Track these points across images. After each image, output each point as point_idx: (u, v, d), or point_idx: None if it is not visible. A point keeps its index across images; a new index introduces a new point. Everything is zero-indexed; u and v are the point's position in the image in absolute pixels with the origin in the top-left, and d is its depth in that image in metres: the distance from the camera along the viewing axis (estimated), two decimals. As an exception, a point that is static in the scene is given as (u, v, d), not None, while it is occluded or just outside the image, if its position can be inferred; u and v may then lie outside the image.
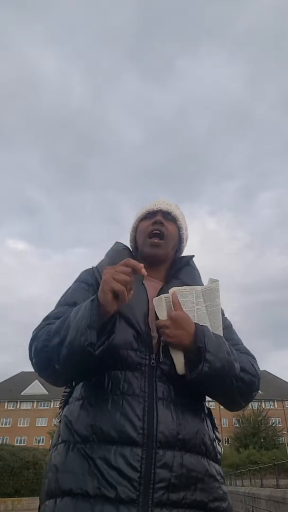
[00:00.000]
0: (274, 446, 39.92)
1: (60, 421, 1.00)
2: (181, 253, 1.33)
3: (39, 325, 1.04)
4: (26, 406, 51.64)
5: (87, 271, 1.22)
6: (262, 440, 40.52)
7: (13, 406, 51.90)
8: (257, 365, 1.08)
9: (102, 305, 0.87)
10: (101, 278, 1.09)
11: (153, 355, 0.97)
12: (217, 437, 1.03)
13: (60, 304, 1.12)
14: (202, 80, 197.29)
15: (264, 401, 49.91)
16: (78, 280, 1.19)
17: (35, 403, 51.57)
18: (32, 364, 1.01)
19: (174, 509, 0.81)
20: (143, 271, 0.90)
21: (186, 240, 1.32)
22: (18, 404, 51.84)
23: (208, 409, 1.07)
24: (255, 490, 13.95)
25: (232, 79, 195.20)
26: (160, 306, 1.02)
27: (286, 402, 50.63)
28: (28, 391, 51.79)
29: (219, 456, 0.99)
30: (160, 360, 0.97)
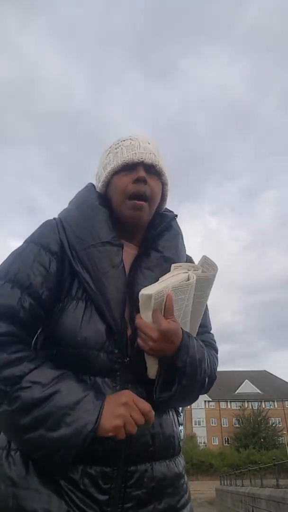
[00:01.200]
0: (274, 446, 39.90)
1: None
2: (161, 209, 1.08)
3: None
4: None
5: (49, 225, 0.95)
6: (262, 440, 40.49)
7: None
8: (217, 359, 1.01)
9: (100, 429, 0.72)
10: (67, 241, 0.90)
11: (127, 358, 0.84)
12: (179, 422, 0.98)
13: (8, 276, 0.84)
14: (205, 80, 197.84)
15: (264, 401, 49.86)
16: (38, 243, 0.90)
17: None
18: None
19: None
20: (151, 418, 0.77)
21: (168, 195, 1.08)
22: (18, 404, 51.74)
23: (176, 410, 1.00)
24: (255, 490, 13.95)
25: (235, 79, 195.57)
26: (147, 305, 0.83)
27: (286, 402, 50.56)
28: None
29: (180, 444, 0.95)
30: (132, 360, 0.84)
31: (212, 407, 50.31)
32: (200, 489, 29.74)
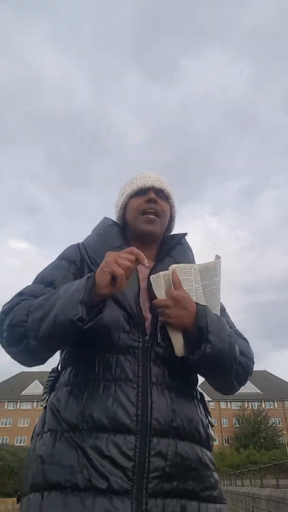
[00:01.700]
0: (274, 446, 39.86)
1: (45, 407, 0.95)
2: (170, 232, 1.26)
3: (11, 300, 0.98)
4: (26, 406, 51.56)
5: (72, 246, 1.16)
6: (262, 440, 40.49)
7: (13, 406, 51.84)
8: (251, 349, 1.07)
9: (97, 286, 0.83)
10: (87, 255, 1.10)
11: (147, 336, 0.93)
12: (210, 423, 1.01)
13: (36, 281, 1.06)
14: (205, 80, 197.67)
15: (264, 401, 49.86)
16: (60, 257, 1.12)
17: (35, 403, 51.47)
18: (1, 338, 0.94)
19: (167, 499, 0.77)
20: (145, 262, 0.87)
21: (176, 218, 1.27)
22: (18, 404, 51.79)
23: (201, 394, 1.03)
24: (255, 490, 13.95)
25: (235, 79, 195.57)
26: (159, 284, 0.95)
27: (286, 402, 50.58)
28: (28, 391, 51.74)
29: (211, 443, 0.96)
30: (159, 341, 0.93)
31: (212, 407, 50.26)
32: (200, 489, 29.64)
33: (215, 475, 0.92)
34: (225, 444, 45.85)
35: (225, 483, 25.74)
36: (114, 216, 1.25)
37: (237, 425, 45.62)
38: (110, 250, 0.98)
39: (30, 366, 1.00)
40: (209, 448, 0.95)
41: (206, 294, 1.00)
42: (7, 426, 50.05)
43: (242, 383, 1.02)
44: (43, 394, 1.02)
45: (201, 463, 0.87)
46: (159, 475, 0.79)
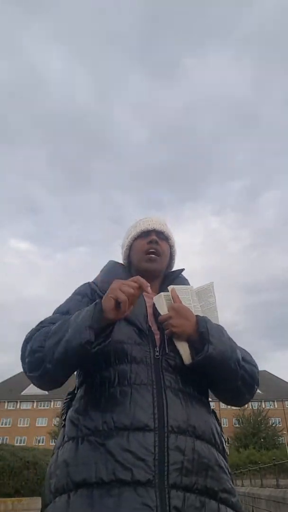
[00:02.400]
0: (274, 446, 39.85)
1: (63, 425, 0.99)
2: (171, 269, 1.40)
3: (33, 328, 1.07)
4: (26, 406, 51.61)
5: (84, 284, 1.28)
6: (262, 440, 40.48)
7: (13, 406, 51.85)
8: (254, 360, 1.11)
9: (104, 310, 0.92)
10: (97, 289, 1.21)
11: (157, 348, 1.01)
12: (223, 436, 1.03)
13: (55, 312, 1.17)
14: (208, 79, 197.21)
15: (264, 401, 49.89)
16: (74, 293, 1.24)
17: (35, 403, 51.54)
18: (24, 364, 1.02)
19: (187, 493, 0.80)
20: (149, 289, 0.95)
21: (175, 256, 1.42)
22: (18, 404, 51.81)
23: (213, 410, 1.07)
24: (255, 490, 13.95)
25: (238, 79, 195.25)
26: (160, 303, 1.08)
27: (286, 402, 50.62)
28: (28, 391, 51.69)
29: (226, 449, 1.00)
30: (166, 351, 1.01)
31: (212, 407, 50.22)
32: (200, 489, 29.64)
33: (231, 482, 0.93)
34: (225, 444, 45.79)
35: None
36: (120, 255, 1.41)
37: (237, 425, 45.65)
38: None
39: (48, 390, 1.09)
40: (225, 457, 0.97)
41: (205, 312, 1.12)
42: (7, 426, 50.04)
43: (251, 391, 1.06)
44: (61, 416, 1.07)
45: (218, 464, 0.89)
46: (179, 467, 0.82)
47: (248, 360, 1.07)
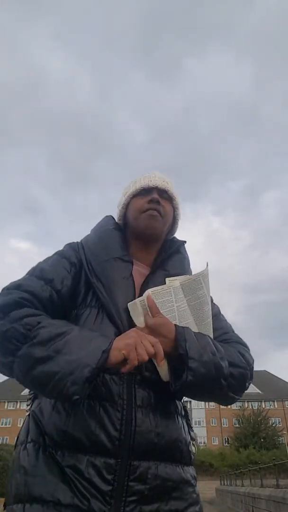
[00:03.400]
0: (274, 446, 39.85)
1: (29, 415, 0.95)
2: (172, 234, 1.24)
3: (8, 292, 0.91)
4: (26, 406, 51.59)
5: (71, 246, 1.11)
6: (262, 440, 40.47)
7: (13, 406, 51.84)
8: (249, 353, 1.03)
9: (108, 361, 0.79)
10: (85, 258, 1.04)
11: None
12: (192, 438, 1.01)
13: (35, 273, 0.99)
14: (208, 79, 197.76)
15: (264, 401, 49.83)
16: (61, 255, 1.07)
17: (35, 403, 51.52)
18: None
19: None
20: (161, 363, 0.85)
21: (179, 221, 1.23)
22: (18, 404, 51.71)
23: (185, 409, 1.03)
24: (255, 490, 13.94)
25: (238, 79, 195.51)
26: (136, 312, 0.94)
27: (286, 402, 50.54)
28: (28, 391, 51.67)
29: (192, 457, 0.97)
30: (143, 368, 0.90)
31: (212, 407, 50.25)
32: (200, 489, 29.31)
33: (197, 489, 0.93)
34: (225, 444, 45.85)
35: (225, 483, 25.72)
36: (116, 216, 1.23)
37: (237, 425, 45.56)
38: (110, 259, 1.03)
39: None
40: (191, 463, 0.96)
41: (192, 308, 0.99)
42: (7, 426, 50.01)
43: (240, 392, 0.99)
44: (27, 400, 1.02)
45: (183, 481, 0.89)
46: (137, 498, 0.80)
47: (237, 364, 0.96)
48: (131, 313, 0.94)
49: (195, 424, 49.63)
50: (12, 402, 52.17)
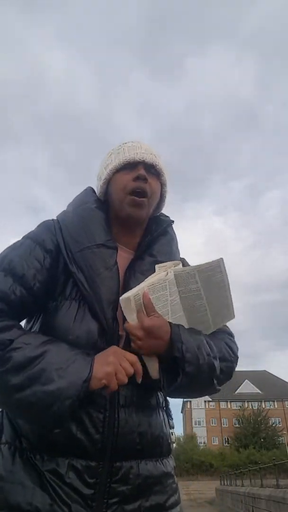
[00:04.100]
0: (274, 446, 39.85)
1: (1, 412, 0.90)
2: (159, 211, 1.12)
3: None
4: None
5: (46, 226, 0.98)
6: (262, 440, 40.47)
7: (13, 406, 51.88)
8: (235, 343, 1.02)
9: (89, 389, 0.76)
10: (63, 242, 0.93)
11: None
12: (171, 426, 0.99)
13: (2, 266, 0.88)
14: (210, 79, 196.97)
15: (264, 401, 49.81)
16: (34, 240, 0.94)
17: (35, 403, 51.47)
18: None
19: None
20: (139, 380, 0.82)
21: (167, 197, 1.11)
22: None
23: (165, 399, 1.00)
24: (255, 490, 13.94)
25: (240, 78, 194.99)
26: (129, 308, 0.86)
27: (286, 402, 50.51)
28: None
29: (171, 446, 0.96)
30: None
31: (212, 407, 50.29)
32: (200, 489, 29.74)
33: (175, 479, 0.93)
34: (225, 444, 45.84)
35: (225, 483, 25.72)
36: (96, 189, 1.08)
37: (237, 425, 45.55)
38: (92, 246, 0.91)
39: None
40: (169, 452, 0.95)
41: (183, 300, 0.94)
42: (7, 426, 50.04)
43: (223, 383, 0.97)
44: None
45: (164, 474, 0.89)
46: (119, 499, 0.79)
47: (226, 358, 0.95)
48: (123, 309, 0.86)
49: (195, 424, 49.68)
50: (12, 402, 52.15)
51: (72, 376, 0.74)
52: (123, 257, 0.98)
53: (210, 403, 50.57)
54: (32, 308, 0.90)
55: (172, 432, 1.00)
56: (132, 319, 0.86)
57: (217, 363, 0.90)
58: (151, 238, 1.04)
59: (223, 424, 49.13)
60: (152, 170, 1.01)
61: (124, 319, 0.88)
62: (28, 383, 0.73)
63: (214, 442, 48.14)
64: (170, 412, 1.03)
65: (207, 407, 50.59)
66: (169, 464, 0.93)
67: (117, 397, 0.84)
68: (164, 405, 0.99)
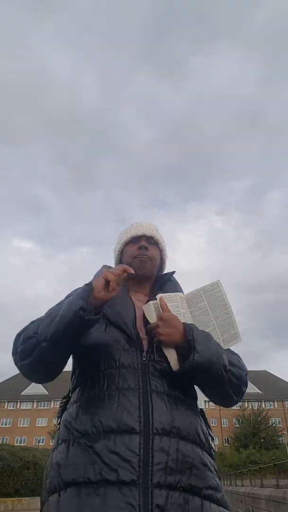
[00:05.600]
0: (274, 446, 39.88)
1: (59, 428, 1.04)
2: (162, 272, 1.44)
3: (26, 325, 1.11)
4: (26, 406, 51.59)
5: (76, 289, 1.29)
6: (262, 440, 40.47)
7: (13, 406, 51.86)
8: (243, 362, 1.19)
9: (94, 288, 1.00)
10: None
11: (144, 353, 1.06)
12: (210, 434, 1.07)
13: (46, 313, 1.18)
14: (214, 79, 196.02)
15: (264, 401, 49.88)
16: (66, 296, 1.23)
17: (35, 403, 51.54)
18: (15, 355, 1.06)
19: (171, 491, 0.84)
20: (131, 270, 1.06)
21: (166, 260, 1.46)
22: (18, 404, 51.82)
23: (201, 409, 1.11)
24: (255, 490, 13.95)
25: (244, 79, 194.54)
26: (150, 311, 1.12)
27: (286, 402, 50.61)
28: (28, 391, 51.72)
29: (213, 452, 1.03)
30: (153, 357, 1.06)
31: (212, 407, 50.11)
32: (200, 489, 29.58)
33: (218, 480, 0.97)
34: (225, 444, 45.84)
35: (225, 483, 25.73)
36: (113, 260, 1.46)
37: (237, 425, 45.61)
38: None
39: (39, 380, 1.14)
40: (211, 455, 1.01)
41: (195, 317, 1.17)
42: (7, 426, 50.06)
43: (238, 393, 1.12)
44: (57, 418, 1.13)
45: (202, 463, 0.94)
46: (163, 467, 0.86)
47: (235, 364, 1.12)
48: (145, 313, 1.14)
49: (195, 424, 49.57)
50: (12, 402, 52.20)
51: (78, 291, 1.04)
52: (138, 300, 1.25)
53: (210, 403, 50.39)
54: None
55: (213, 442, 1.07)
56: (152, 319, 1.10)
57: (224, 356, 1.07)
58: (159, 285, 1.35)
59: (223, 424, 49.18)
60: (151, 240, 1.38)
61: (143, 328, 1.12)
62: (55, 316, 1.00)
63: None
64: (207, 421, 1.12)
65: (207, 407, 50.51)
66: (209, 460, 0.98)
67: (149, 384, 1.00)
68: (198, 408, 1.08)
